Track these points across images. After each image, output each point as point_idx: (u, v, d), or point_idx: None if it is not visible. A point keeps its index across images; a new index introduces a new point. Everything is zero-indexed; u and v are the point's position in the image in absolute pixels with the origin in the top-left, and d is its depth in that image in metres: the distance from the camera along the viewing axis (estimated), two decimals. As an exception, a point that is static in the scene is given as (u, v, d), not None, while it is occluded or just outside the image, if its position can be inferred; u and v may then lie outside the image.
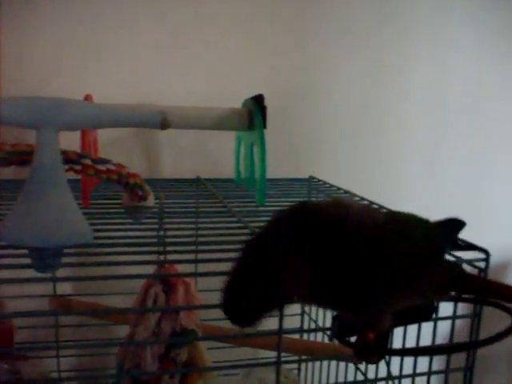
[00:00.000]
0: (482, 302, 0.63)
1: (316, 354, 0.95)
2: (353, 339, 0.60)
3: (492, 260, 0.66)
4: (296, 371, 1.19)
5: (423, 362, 0.72)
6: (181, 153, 1.14)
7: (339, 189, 1.01)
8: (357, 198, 0.94)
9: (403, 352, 0.62)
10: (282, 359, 0.63)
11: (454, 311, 0.68)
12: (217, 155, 1.14)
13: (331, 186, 1.04)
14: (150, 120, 0.63)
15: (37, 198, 0.61)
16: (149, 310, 0.85)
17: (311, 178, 1.13)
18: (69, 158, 0.69)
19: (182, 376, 0.91)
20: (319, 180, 1.10)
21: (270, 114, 0.90)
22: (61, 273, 1.04)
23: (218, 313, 0.95)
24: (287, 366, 1.11)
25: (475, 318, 0.67)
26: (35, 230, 0.60)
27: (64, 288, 1.09)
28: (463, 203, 1.35)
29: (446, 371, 0.70)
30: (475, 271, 0.66)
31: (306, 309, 1.16)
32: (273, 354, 0.70)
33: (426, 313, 0.63)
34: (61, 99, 0.61)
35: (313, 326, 1.12)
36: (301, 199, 0.96)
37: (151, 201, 0.83)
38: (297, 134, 1.22)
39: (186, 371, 0.89)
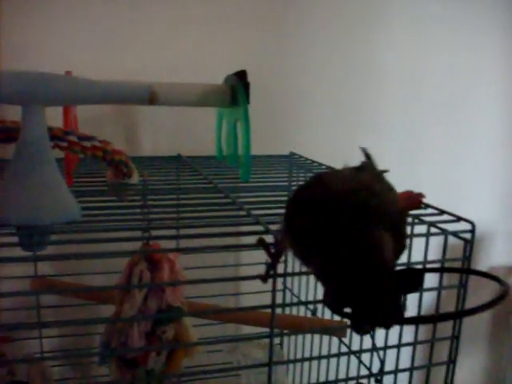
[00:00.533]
0: (468, 271, 0.64)
1: (301, 327, 0.96)
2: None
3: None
4: (279, 346, 1.20)
5: (407, 334, 0.73)
6: (161, 130, 1.13)
7: (320, 164, 1.02)
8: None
9: (392, 322, 0.62)
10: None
11: (440, 282, 0.69)
12: (197, 132, 1.13)
13: (312, 161, 1.05)
14: (139, 95, 0.63)
15: (24, 176, 0.60)
16: (134, 286, 0.85)
17: (292, 154, 1.14)
18: (54, 135, 0.69)
19: (168, 353, 0.92)
20: (300, 156, 1.11)
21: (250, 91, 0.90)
22: (43, 252, 1.04)
23: (203, 289, 0.95)
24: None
25: (461, 288, 0.68)
26: (23, 208, 0.59)
27: (46, 269, 1.08)
28: (442, 175, 1.37)
29: (432, 341, 0.71)
30: (461, 243, 0.67)
31: (289, 284, 1.17)
32: (257, 330, 0.70)
33: (414, 284, 0.64)
34: (47, 74, 0.60)
35: (295, 301, 1.13)
36: (282, 175, 0.96)
37: (135, 178, 0.83)
38: (276, 111, 1.22)
39: (173, 347, 0.90)
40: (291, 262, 1.10)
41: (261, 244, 0.60)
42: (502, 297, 0.50)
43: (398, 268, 0.65)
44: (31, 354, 0.95)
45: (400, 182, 0.80)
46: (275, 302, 0.60)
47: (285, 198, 0.76)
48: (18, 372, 0.90)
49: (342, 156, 1.09)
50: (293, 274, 1.09)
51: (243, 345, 1.04)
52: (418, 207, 0.68)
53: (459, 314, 0.63)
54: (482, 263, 1.49)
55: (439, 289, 0.69)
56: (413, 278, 0.63)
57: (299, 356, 1.11)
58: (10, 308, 1.04)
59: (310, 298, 1.04)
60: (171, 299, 0.87)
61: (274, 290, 0.59)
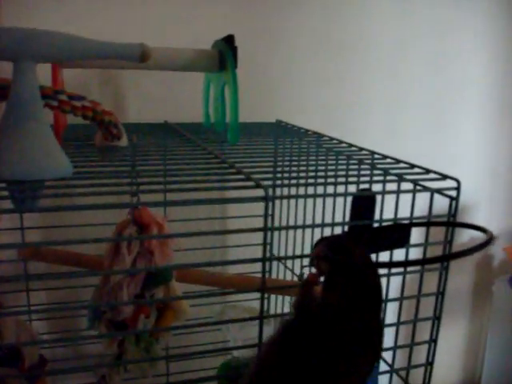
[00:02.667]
0: (453, 224, 0.65)
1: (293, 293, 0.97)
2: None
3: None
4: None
5: (389, 315, 0.75)
6: (147, 97, 1.13)
7: (307, 131, 1.03)
8: (325, 138, 0.96)
9: (380, 265, 0.63)
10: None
11: (426, 237, 0.70)
12: (184, 100, 1.13)
13: (299, 128, 1.06)
14: (130, 51, 0.63)
15: (15, 131, 0.60)
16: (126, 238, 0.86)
17: (278, 121, 1.14)
18: (45, 94, 0.68)
19: (157, 316, 0.93)
20: (287, 123, 1.11)
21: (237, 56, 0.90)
22: (33, 218, 1.04)
23: (192, 255, 0.96)
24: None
25: (447, 243, 0.70)
26: (15, 163, 0.59)
27: (33, 237, 1.08)
28: (427, 141, 1.39)
29: (417, 296, 0.73)
30: (446, 200, 0.69)
31: (275, 251, 1.18)
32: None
33: (402, 239, 0.65)
34: (39, 30, 0.60)
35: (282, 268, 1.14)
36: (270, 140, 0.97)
37: (125, 141, 0.83)
38: (262, 78, 1.23)
39: (163, 300, 0.91)
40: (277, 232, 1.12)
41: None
42: (487, 242, 0.52)
43: (386, 224, 0.66)
44: (20, 320, 0.95)
45: (385, 150, 0.82)
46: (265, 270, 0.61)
47: (272, 159, 0.78)
48: (7, 337, 0.90)
49: (327, 125, 1.12)
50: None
51: (231, 310, 1.05)
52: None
53: (446, 257, 0.64)
54: (465, 233, 1.51)
55: (425, 245, 0.71)
56: (400, 234, 0.65)
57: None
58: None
59: (297, 265, 1.06)
60: (160, 262, 0.88)
61: (264, 247, 0.60)
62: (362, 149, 0.86)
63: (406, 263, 0.62)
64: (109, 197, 0.61)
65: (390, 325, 0.73)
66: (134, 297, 0.88)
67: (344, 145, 0.90)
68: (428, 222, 0.67)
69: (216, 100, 0.96)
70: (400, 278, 0.72)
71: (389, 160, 0.79)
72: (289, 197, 0.62)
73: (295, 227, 0.59)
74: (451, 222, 0.65)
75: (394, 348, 0.75)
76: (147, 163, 0.74)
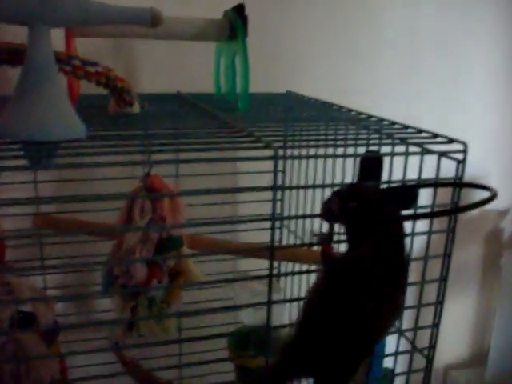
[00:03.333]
0: (460, 184, 0.66)
1: (302, 260, 0.99)
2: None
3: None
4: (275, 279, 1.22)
5: None
6: (159, 68, 1.14)
7: (317, 100, 1.04)
8: (335, 107, 0.97)
9: (389, 219, 0.65)
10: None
11: (434, 197, 0.71)
12: (196, 70, 1.14)
13: (309, 98, 1.06)
14: (141, 14, 0.64)
15: (31, 93, 0.62)
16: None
17: (288, 92, 1.15)
18: (59, 58, 0.70)
19: (169, 282, 0.95)
20: (297, 94, 1.12)
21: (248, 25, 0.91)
22: (47, 189, 1.05)
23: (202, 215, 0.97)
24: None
25: (454, 204, 0.71)
26: (30, 124, 0.61)
27: (48, 207, 1.10)
28: (441, 110, 1.39)
29: (428, 232, 0.73)
30: (453, 168, 0.69)
31: (285, 222, 1.19)
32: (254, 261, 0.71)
33: (409, 201, 0.66)
34: (53, -6, 0.61)
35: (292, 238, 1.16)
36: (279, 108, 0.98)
37: (137, 107, 0.84)
38: (273, 48, 1.23)
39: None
40: (287, 202, 1.13)
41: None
42: (492, 197, 0.53)
43: (394, 185, 0.68)
44: (35, 285, 0.97)
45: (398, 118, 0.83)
46: (274, 241, 0.62)
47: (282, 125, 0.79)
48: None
49: (338, 96, 1.12)
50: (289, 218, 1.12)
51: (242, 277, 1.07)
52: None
53: (454, 211, 0.65)
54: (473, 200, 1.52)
55: (433, 206, 0.72)
56: (407, 195, 0.66)
57: (296, 288, 1.14)
58: (14, 245, 1.05)
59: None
60: (172, 228, 0.90)
61: (272, 232, 0.61)
62: (370, 116, 0.87)
63: (415, 216, 0.63)
64: (121, 157, 0.62)
65: (413, 307, 0.75)
66: (146, 262, 0.90)
67: (353, 113, 0.91)
68: (435, 183, 0.68)
69: (227, 70, 0.97)
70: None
71: (397, 126, 0.80)
72: (298, 157, 0.63)
73: (304, 187, 0.60)
74: (458, 182, 0.66)
75: (415, 329, 0.77)
76: (159, 127, 0.75)
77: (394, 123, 0.81)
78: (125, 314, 0.95)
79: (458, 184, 0.67)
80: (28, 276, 1.05)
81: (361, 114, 0.90)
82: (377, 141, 0.73)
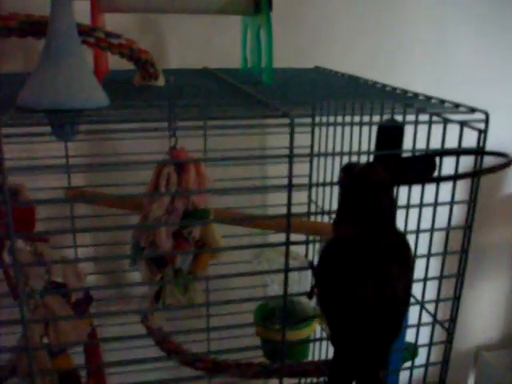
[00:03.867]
0: (482, 152, 0.65)
1: (323, 233, 0.99)
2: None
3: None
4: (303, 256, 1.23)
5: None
6: (187, 43, 1.15)
7: (344, 74, 1.03)
8: (361, 81, 0.97)
9: (411, 181, 0.65)
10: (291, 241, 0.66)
11: (456, 165, 0.70)
12: (223, 45, 1.14)
13: (337, 72, 1.06)
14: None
15: (54, 64, 0.63)
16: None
17: (316, 67, 1.15)
18: (82, 31, 0.71)
19: (195, 255, 0.96)
20: (325, 69, 1.12)
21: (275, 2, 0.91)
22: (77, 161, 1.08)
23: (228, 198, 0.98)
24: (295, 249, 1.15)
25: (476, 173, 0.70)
26: (53, 94, 0.62)
27: (78, 181, 1.13)
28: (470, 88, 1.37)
29: (451, 202, 0.73)
30: (474, 134, 0.69)
31: (313, 197, 1.19)
32: (282, 236, 0.73)
33: (429, 171, 0.66)
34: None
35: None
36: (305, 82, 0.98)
37: (161, 80, 0.85)
38: (300, 23, 1.22)
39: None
40: (315, 175, 1.13)
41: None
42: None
43: (416, 154, 0.67)
44: (66, 256, 1.00)
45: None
46: (290, 211, 0.63)
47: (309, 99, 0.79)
48: (54, 273, 0.95)
49: (366, 72, 1.11)
50: (317, 185, 1.12)
51: (268, 252, 1.08)
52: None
53: (477, 173, 0.64)
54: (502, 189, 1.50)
55: (455, 176, 0.71)
56: (428, 165, 0.66)
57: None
58: (45, 218, 1.08)
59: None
60: (197, 200, 0.91)
61: (289, 201, 0.62)
62: (395, 88, 0.87)
63: (438, 179, 0.62)
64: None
65: (420, 256, 0.74)
66: (171, 234, 0.91)
67: (378, 85, 0.91)
68: (457, 151, 0.67)
69: (252, 44, 0.97)
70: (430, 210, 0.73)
71: (420, 97, 0.79)
72: (313, 124, 0.64)
73: (319, 155, 0.61)
74: (480, 150, 0.66)
75: (424, 280, 0.77)
76: (182, 98, 0.76)
77: (416, 95, 0.81)
78: (152, 286, 0.97)
79: (479, 152, 0.66)
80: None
81: (385, 85, 0.89)
82: (401, 110, 0.72)
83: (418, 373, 0.82)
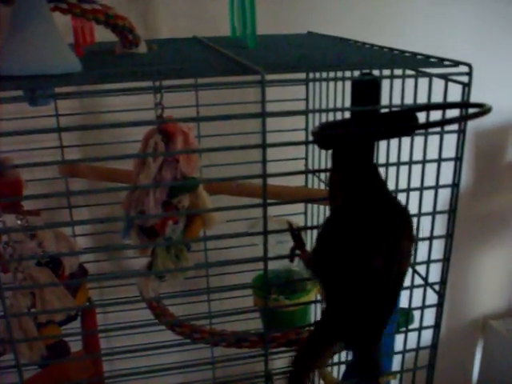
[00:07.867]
0: (465, 105, 0.64)
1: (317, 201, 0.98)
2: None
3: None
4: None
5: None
6: (176, 13, 1.13)
7: (335, 37, 1.01)
8: (351, 42, 0.95)
9: (394, 133, 0.63)
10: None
11: (443, 116, 0.68)
12: (213, 14, 1.13)
13: (327, 36, 1.04)
14: None
15: (23, 30, 0.62)
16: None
17: (309, 33, 1.12)
18: (52, -3, 0.70)
19: (186, 223, 0.95)
20: (317, 34, 1.10)
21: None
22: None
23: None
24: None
25: (460, 133, 0.68)
26: (24, 60, 0.61)
27: (70, 155, 1.12)
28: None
29: (438, 160, 0.72)
30: (458, 87, 0.67)
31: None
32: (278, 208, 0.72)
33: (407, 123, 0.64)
34: None
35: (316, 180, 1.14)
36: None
37: (143, 47, 0.84)
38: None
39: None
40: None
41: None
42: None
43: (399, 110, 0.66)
44: (59, 231, 0.99)
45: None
46: (266, 171, 0.62)
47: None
48: (47, 246, 0.94)
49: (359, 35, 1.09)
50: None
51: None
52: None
53: (464, 118, 0.62)
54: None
55: (442, 132, 0.69)
56: (407, 119, 0.64)
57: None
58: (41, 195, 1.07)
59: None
60: (185, 169, 0.90)
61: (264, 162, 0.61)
62: (382, 47, 0.85)
63: (426, 125, 0.60)
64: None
65: (424, 239, 0.73)
66: (161, 203, 0.90)
67: (367, 46, 0.89)
68: (442, 104, 0.65)
69: (238, 11, 0.95)
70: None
71: (407, 54, 0.78)
72: (284, 81, 0.62)
73: (292, 113, 0.59)
74: (464, 102, 0.64)
75: (428, 262, 0.76)
76: (161, 63, 0.74)
77: (403, 52, 0.79)
78: (145, 255, 0.96)
79: (463, 104, 0.64)
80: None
81: (373, 46, 0.88)
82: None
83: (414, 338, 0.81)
